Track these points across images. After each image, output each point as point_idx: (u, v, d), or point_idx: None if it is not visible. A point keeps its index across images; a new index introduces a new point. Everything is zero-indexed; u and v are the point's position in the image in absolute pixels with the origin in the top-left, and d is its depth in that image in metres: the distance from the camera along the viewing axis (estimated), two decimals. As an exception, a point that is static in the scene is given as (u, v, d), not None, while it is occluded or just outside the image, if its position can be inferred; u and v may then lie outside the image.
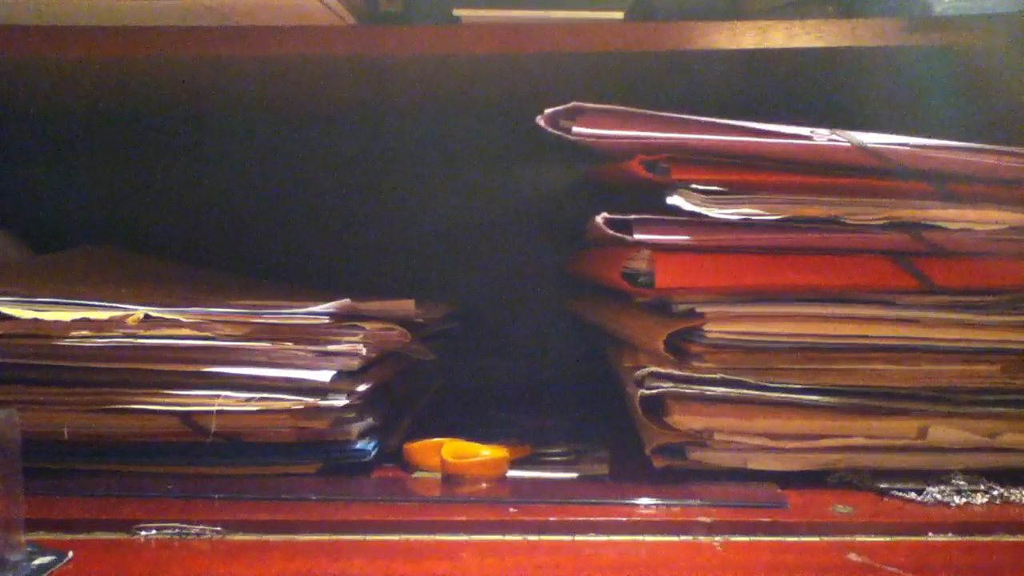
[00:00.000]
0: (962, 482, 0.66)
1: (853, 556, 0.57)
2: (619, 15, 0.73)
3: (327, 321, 0.69)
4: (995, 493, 0.65)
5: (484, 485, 0.68)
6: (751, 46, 0.72)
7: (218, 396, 0.68)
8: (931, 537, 0.59)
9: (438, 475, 0.70)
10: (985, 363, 0.68)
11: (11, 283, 0.74)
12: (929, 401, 0.68)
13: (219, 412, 0.67)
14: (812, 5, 0.76)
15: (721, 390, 0.66)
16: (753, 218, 0.66)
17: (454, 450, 0.70)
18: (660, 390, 0.67)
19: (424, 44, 0.74)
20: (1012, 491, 0.65)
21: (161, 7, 0.72)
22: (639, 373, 0.68)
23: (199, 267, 1.04)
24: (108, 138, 1.09)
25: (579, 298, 1.02)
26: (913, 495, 0.65)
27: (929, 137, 0.67)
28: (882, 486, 0.66)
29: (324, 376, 0.68)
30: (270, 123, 1.07)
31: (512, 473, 0.71)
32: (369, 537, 0.60)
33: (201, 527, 0.60)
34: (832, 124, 0.68)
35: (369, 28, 0.77)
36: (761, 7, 0.76)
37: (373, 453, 0.72)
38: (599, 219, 0.67)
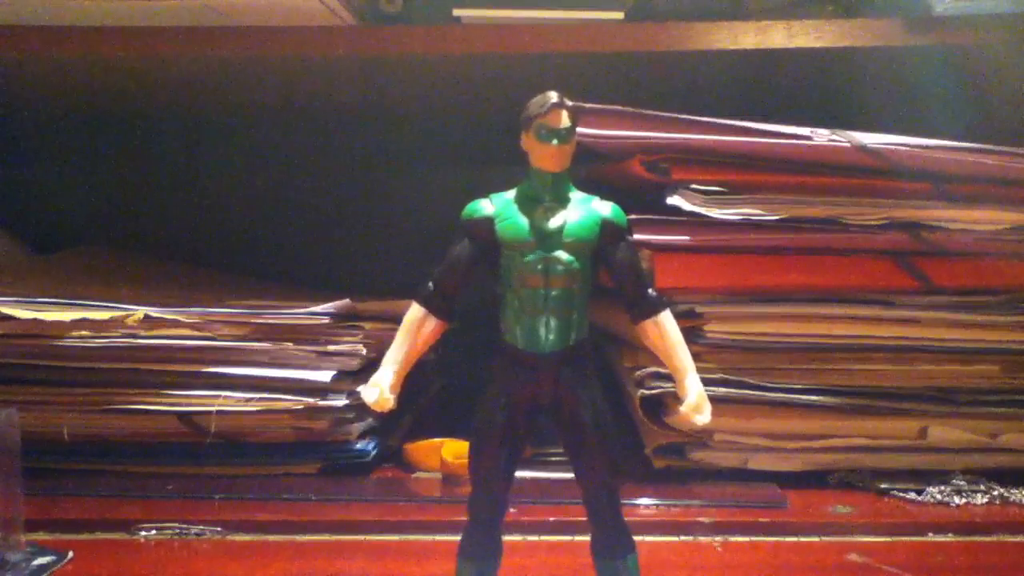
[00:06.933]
0: (962, 482, 0.66)
1: (853, 556, 0.57)
2: (619, 15, 0.73)
3: (327, 321, 0.69)
4: (995, 493, 0.65)
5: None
6: (751, 46, 0.72)
7: (218, 396, 0.68)
8: (931, 537, 0.60)
9: (438, 475, 0.70)
10: (985, 363, 0.68)
11: (11, 283, 0.74)
12: (929, 401, 0.68)
13: (219, 412, 0.67)
14: (812, 5, 0.76)
15: (721, 390, 0.66)
16: (753, 218, 0.66)
17: (454, 450, 0.70)
18: (660, 390, 0.66)
19: (424, 44, 0.74)
20: (1012, 491, 0.65)
21: (161, 7, 0.72)
22: (639, 373, 0.68)
23: (199, 267, 1.04)
24: (108, 138, 1.09)
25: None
26: (913, 495, 0.65)
27: (929, 137, 0.67)
28: (882, 486, 0.66)
29: (324, 376, 0.68)
30: (270, 123, 1.07)
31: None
32: (369, 537, 0.60)
33: (201, 527, 0.60)
34: (832, 124, 0.68)
35: (369, 28, 0.77)
36: (761, 7, 0.76)
37: (373, 453, 0.72)
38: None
